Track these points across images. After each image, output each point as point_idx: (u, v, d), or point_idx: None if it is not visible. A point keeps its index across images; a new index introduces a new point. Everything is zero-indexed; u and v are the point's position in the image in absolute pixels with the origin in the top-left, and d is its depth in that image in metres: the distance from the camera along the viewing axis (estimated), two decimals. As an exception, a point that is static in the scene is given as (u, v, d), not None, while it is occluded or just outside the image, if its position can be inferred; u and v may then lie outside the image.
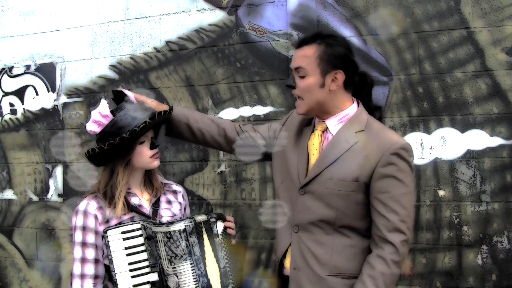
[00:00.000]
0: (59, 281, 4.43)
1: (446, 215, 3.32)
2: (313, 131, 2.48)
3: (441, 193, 3.32)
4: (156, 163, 2.65)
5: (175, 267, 2.41)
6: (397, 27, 3.41)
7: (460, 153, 3.29)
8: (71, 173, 4.36)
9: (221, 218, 2.62)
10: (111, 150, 2.55)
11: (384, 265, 2.19)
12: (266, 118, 3.71)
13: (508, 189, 3.21)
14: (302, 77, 2.37)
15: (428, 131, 3.33)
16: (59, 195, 4.41)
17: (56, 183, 4.42)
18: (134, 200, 2.62)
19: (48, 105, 4.46)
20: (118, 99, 2.72)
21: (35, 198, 4.52)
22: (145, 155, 2.60)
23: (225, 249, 2.57)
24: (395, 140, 2.28)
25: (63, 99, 4.39)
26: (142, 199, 2.66)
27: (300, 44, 2.41)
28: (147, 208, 2.64)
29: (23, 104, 4.58)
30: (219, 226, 2.60)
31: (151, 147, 2.61)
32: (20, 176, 4.59)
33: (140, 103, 2.69)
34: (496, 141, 3.23)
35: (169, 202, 2.75)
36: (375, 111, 2.50)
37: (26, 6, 4.54)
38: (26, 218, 4.55)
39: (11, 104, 4.63)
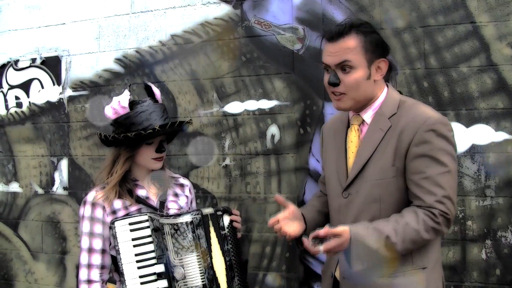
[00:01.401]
0: (64, 274, 4.45)
1: (450, 210, 3.32)
2: (348, 126, 2.38)
3: (446, 187, 3.32)
4: (156, 165, 2.67)
5: (181, 259, 2.43)
6: (402, 21, 3.40)
7: (465, 147, 3.29)
8: (77, 166, 4.38)
9: (228, 211, 2.63)
10: (114, 142, 2.58)
11: (414, 219, 2.06)
12: (271, 112, 3.71)
13: (512, 184, 3.22)
14: (346, 72, 2.21)
15: (433, 125, 3.32)
16: (65, 188, 4.42)
17: (61, 176, 4.44)
18: (141, 192, 2.64)
19: (54, 98, 4.47)
20: (149, 92, 2.75)
21: (40, 191, 4.54)
22: (148, 156, 2.62)
23: (231, 242, 2.58)
24: (428, 115, 2.15)
25: (69, 92, 4.40)
26: (149, 192, 2.68)
27: (336, 36, 2.22)
28: (154, 201, 2.65)
29: (28, 97, 4.59)
30: (226, 219, 2.61)
31: (157, 150, 2.62)
32: (26, 169, 4.61)
33: (161, 105, 2.69)
34: (501, 135, 3.22)
35: (176, 195, 2.76)
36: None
37: (32, 0, 4.55)
38: (32, 211, 4.57)
39: (16, 97, 4.64)
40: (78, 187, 4.36)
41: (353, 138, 2.32)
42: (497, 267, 3.22)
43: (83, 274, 2.53)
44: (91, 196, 2.60)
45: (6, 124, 4.68)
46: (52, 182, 4.49)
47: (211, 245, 2.50)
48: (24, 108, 4.60)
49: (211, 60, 3.89)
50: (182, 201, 2.77)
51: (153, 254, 2.48)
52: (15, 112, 4.64)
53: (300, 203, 3.60)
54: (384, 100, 2.28)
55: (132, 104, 2.61)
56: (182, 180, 2.90)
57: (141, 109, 2.58)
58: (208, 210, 2.56)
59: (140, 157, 2.63)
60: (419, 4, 3.36)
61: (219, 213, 2.59)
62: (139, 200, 2.62)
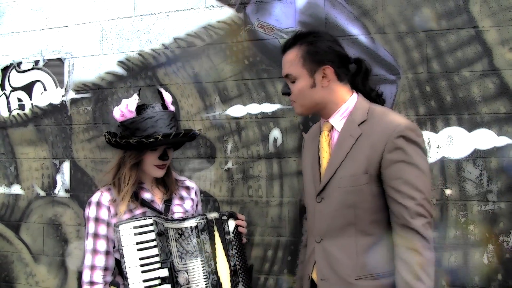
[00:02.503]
0: (65, 276, 4.45)
1: (452, 214, 3.32)
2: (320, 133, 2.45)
3: (448, 192, 3.32)
4: (159, 173, 2.67)
5: (185, 264, 2.42)
6: (405, 25, 3.41)
7: (467, 152, 3.29)
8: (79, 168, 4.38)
9: (233, 216, 2.63)
10: (122, 146, 2.58)
11: (417, 255, 2.12)
12: (274, 115, 3.72)
13: (515, 189, 3.22)
14: (293, 82, 2.36)
15: (435, 130, 3.33)
16: (66, 191, 4.43)
17: (63, 179, 4.44)
18: (147, 195, 2.63)
19: (56, 100, 4.47)
20: (161, 97, 2.75)
21: (42, 193, 4.54)
22: (151, 162, 2.61)
23: (236, 247, 2.57)
24: (398, 122, 2.22)
25: (71, 94, 4.40)
26: (154, 195, 2.67)
27: (283, 50, 2.41)
28: (159, 204, 2.65)
29: (31, 99, 4.59)
30: (231, 224, 2.60)
31: (160, 157, 2.61)
32: (28, 171, 4.61)
33: (171, 112, 2.69)
34: (504, 140, 3.23)
35: (181, 198, 2.76)
36: (370, 93, 2.46)
37: (35, 2, 4.56)
38: (33, 213, 4.57)
39: (19, 99, 4.65)
40: (80, 189, 4.36)
41: (323, 144, 2.40)
42: (499, 272, 3.23)
43: (86, 275, 2.53)
44: (96, 197, 2.60)
45: (9, 126, 4.68)
46: (54, 184, 4.49)
47: (215, 250, 2.49)
48: (27, 110, 4.60)
49: (214, 63, 3.89)
50: (188, 204, 2.77)
51: (157, 258, 2.47)
52: (18, 114, 4.64)
53: (301, 207, 3.61)
54: (354, 107, 2.35)
55: (140, 108, 2.61)
56: (188, 183, 2.89)
57: (148, 115, 2.58)
58: (213, 215, 2.55)
59: (143, 163, 2.63)
60: (422, 9, 3.36)
61: (224, 217, 2.58)
62: (144, 203, 2.61)
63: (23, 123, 4.62)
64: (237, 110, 3.82)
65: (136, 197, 2.60)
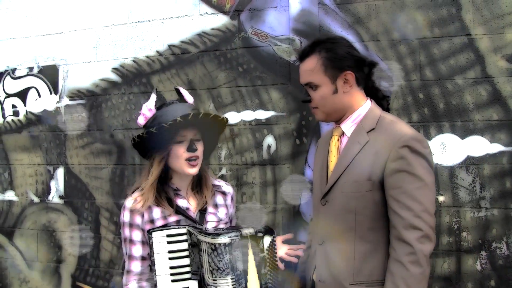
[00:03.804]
0: (59, 283, 4.43)
1: (445, 221, 3.33)
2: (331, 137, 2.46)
3: (441, 198, 3.33)
4: (192, 170, 2.57)
5: (215, 280, 2.33)
6: (398, 33, 3.43)
7: (460, 159, 3.30)
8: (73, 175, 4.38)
9: (269, 232, 2.52)
10: (146, 141, 2.52)
11: (402, 268, 2.10)
12: (268, 122, 3.73)
13: (507, 196, 3.22)
14: (313, 89, 2.36)
15: (428, 137, 3.34)
16: (60, 197, 4.42)
17: (57, 185, 4.43)
18: (182, 203, 2.57)
19: (51, 107, 4.47)
20: (178, 94, 2.73)
21: (36, 199, 4.53)
22: (181, 157, 2.53)
23: (269, 264, 2.49)
24: (404, 132, 2.21)
25: (66, 101, 4.40)
26: (189, 203, 2.61)
27: (301, 57, 2.39)
28: (193, 213, 2.59)
29: (25, 105, 4.59)
30: (266, 240, 2.50)
31: (188, 149, 2.56)
32: (22, 178, 4.60)
33: (191, 104, 2.67)
34: (496, 147, 3.24)
35: (215, 206, 2.68)
36: (382, 100, 2.46)
37: (29, 8, 4.56)
38: (27, 219, 4.57)
39: (13, 106, 4.65)
40: (74, 196, 4.35)
41: (332, 148, 2.41)
42: (492, 278, 3.23)
43: (123, 279, 2.51)
44: (129, 202, 2.54)
45: (3, 132, 4.68)
46: (48, 190, 4.48)
47: (248, 268, 2.39)
48: (21, 116, 4.60)
49: (208, 70, 3.90)
50: (222, 212, 2.67)
51: (188, 269, 2.41)
52: (12, 120, 4.64)
53: (295, 213, 3.61)
54: (366, 115, 2.35)
55: (160, 106, 2.60)
56: (225, 187, 2.80)
57: (168, 108, 2.55)
58: (248, 231, 2.42)
59: (173, 160, 2.53)
60: (415, 16, 3.38)
61: (260, 234, 2.47)
62: (179, 211, 2.55)
63: (17, 130, 4.62)
64: (231, 117, 3.83)
65: (170, 204, 2.55)
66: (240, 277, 2.37)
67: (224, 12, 3.86)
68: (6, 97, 4.68)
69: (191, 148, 2.53)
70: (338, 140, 2.41)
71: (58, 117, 4.43)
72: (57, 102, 4.44)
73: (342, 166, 2.31)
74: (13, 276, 4.64)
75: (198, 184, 2.69)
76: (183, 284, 2.41)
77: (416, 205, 2.13)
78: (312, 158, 3.59)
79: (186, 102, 2.67)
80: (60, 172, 4.43)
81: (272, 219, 3.69)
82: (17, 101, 4.63)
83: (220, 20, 3.87)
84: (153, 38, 4.08)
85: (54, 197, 4.45)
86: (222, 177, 3.84)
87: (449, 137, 3.33)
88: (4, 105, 4.69)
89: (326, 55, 2.32)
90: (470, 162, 3.28)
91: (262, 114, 3.75)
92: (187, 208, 2.58)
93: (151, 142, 2.52)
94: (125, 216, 2.52)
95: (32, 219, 4.54)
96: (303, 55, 2.39)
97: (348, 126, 2.38)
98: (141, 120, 2.61)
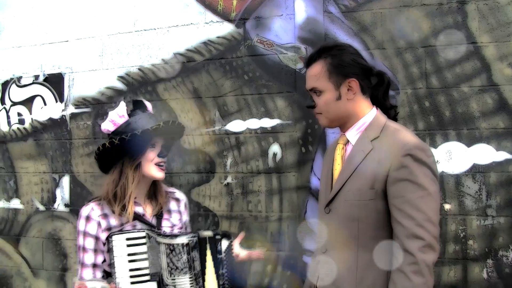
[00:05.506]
0: (64, 291, 4.44)
1: (451, 229, 3.32)
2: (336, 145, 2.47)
3: (447, 206, 3.33)
4: (161, 174, 2.69)
5: (174, 279, 2.46)
6: (404, 41, 3.43)
7: (466, 167, 3.30)
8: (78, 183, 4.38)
9: (227, 236, 2.67)
10: (120, 147, 2.58)
11: (404, 278, 2.09)
12: (273, 130, 3.73)
13: (514, 204, 3.22)
14: (318, 95, 2.38)
15: (434, 145, 3.34)
16: (66, 205, 4.42)
17: (63, 193, 4.44)
18: (138, 209, 2.66)
19: (56, 115, 4.48)
20: (140, 105, 2.80)
21: (41, 207, 4.53)
22: (151, 161, 2.63)
23: (227, 266, 2.59)
24: (407, 140, 2.21)
25: (71, 109, 4.41)
26: (145, 210, 2.70)
27: (308, 63, 2.42)
28: (149, 218, 2.68)
29: (31, 114, 4.60)
30: (224, 243, 2.64)
31: (159, 155, 2.64)
32: (27, 186, 4.61)
33: (151, 113, 2.77)
34: (502, 155, 3.24)
35: (169, 212, 2.80)
36: (389, 110, 2.47)
37: (35, 17, 4.58)
38: (33, 227, 4.57)
39: (19, 114, 4.66)
40: (80, 204, 4.35)
41: (337, 156, 2.42)
42: (498, 287, 3.22)
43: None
44: (86, 210, 2.62)
45: (8, 140, 4.69)
46: (53, 199, 4.49)
47: (205, 268, 2.53)
48: (27, 124, 4.61)
49: (213, 78, 3.91)
50: (175, 218, 2.81)
51: (147, 271, 2.50)
52: (18, 128, 4.65)
53: (301, 222, 3.61)
54: (371, 123, 2.36)
55: (130, 113, 2.67)
56: (178, 194, 2.93)
57: (139, 116, 2.66)
58: (206, 233, 2.60)
59: (145, 164, 2.64)
60: (421, 24, 3.38)
61: (218, 237, 2.63)
62: (136, 217, 2.64)
63: (23, 138, 4.63)
64: (236, 125, 3.83)
65: (127, 211, 2.63)
66: (198, 276, 2.51)
67: (229, 20, 3.87)
68: (12, 105, 4.69)
69: (162, 154, 2.68)
70: (343, 148, 2.42)
71: (63, 125, 4.44)
72: (63, 110, 4.45)
73: (345, 175, 2.32)
74: (19, 284, 4.64)
75: (152, 191, 2.80)
76: (142, 286, 2.49)
77: (418, 214, 2.12)
78: (317, 166, 3.60)
79: (148, 111, 2.78)
80: (66, 180, 4.44)
81: (277, 227, 3.69)
82: (22, 109, 4.65)
83: (225, 29, 3.88)
84: (159, 46, 4.09)
85: (59, 205, 4.46)
86: (228, 185, 3.84)
87: (455, 145, 3.32)
88: (10, 113, 4.70)
89: (331, 61, 2.34)
90: (476, 170, 3.27)
91: (268, 122, 3.75)
92: (143, 214, 2.68)
93: (125, 148, 2.59)
94: (80, 225, 2.61)
95: (38, 227, 4.55)
96: (309, 61, 2.42)
97: (353, 134, 2.39)
98: (110, 127, 2.66)
